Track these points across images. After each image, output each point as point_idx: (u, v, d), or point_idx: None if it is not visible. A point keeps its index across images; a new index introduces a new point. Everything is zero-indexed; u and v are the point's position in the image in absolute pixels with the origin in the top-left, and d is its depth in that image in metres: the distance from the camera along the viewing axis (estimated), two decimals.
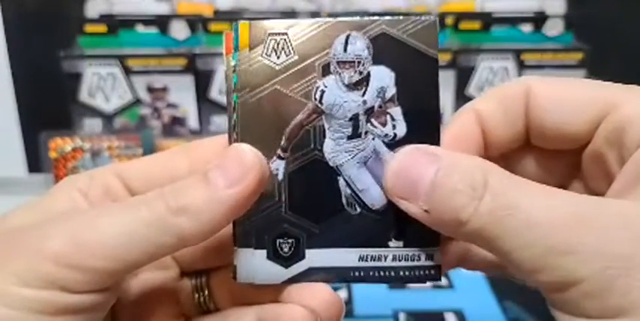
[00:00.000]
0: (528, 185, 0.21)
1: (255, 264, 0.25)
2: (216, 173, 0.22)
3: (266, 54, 0.24)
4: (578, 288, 0.19)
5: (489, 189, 0.21)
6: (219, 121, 0.75)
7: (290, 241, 0.25)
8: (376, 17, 0.24)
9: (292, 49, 0.24)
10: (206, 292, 0.27)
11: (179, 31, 0.75)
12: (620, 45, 0.76)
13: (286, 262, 0.25)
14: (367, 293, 0.53)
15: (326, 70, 0.24)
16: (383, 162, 0.24)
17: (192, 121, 0.75)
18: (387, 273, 0.25)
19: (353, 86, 0.24)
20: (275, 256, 0.25)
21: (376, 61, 0.24)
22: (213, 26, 0.74)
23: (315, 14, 0.76)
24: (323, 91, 0.24)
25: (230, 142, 0.24)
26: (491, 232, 0.20)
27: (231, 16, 0.76)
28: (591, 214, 0.20)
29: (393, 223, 0.24)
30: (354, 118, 0.24)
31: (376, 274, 0.25)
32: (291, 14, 0.76)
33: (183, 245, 0.22)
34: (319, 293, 0.25)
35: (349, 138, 0.25)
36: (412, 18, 0.24)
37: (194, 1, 0.77)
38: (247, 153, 0.23)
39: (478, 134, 0.25)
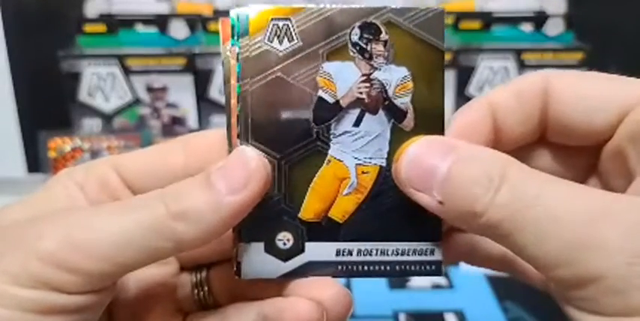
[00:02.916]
0: (548, 178, 0.20)
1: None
2: (219, 178, 0.21)
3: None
4: (599, 284, 0.19)
5: (507, 180, 0.20)
6: (219, 120, 0.75)
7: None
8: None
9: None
10: (205, 288, 0.27)
11: (178, 30, 0.75)
12: (620, 45, 0.76)
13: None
14: (367, 293, 0.53)
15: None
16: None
17: (192, 121, 0.75)
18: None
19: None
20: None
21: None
22: (213, 26, 0.74)
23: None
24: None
25: (229, 135, 0.24)
26: (507, 225, 0.20)
27: None
28: (615, 209, 0.19)
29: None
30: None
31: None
32: None
33: (180, 250, 0.22)
34: (326, 287, 0.24)
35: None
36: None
37: (194, 1, 0.77)
38: (252, 158, 0.22)
39: (489, 127, 0.24)
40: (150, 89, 0.74)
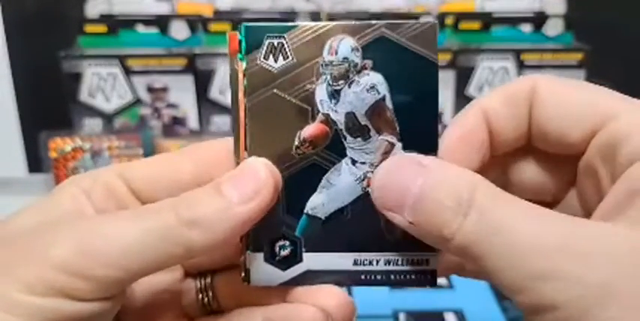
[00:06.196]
0: (516, 204, 0.21)
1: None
2: (230, 187, 0.22)
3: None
4: (554, 314, 0.19)
5: (475, 206, 0.20)
6: (220, 121, 0.75)
7: (288, 243, 0.25)
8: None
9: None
10: (210, 293, 0.27)
11: (179, 31, 0.75)
12: (620, 45, 0.76)
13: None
14: (367, 293, 0.53)
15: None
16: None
17: (193, 121, 0.75)
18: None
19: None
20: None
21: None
22: (213, 26, 0.74)
23: (314, 14, 0.76)
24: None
25: (236, 146, 0.24)
26: (475, 251, 0.20)
27: (231, 16, 0.76)
28: (574, 239, 0.19)
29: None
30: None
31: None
32: (290, 14, 0.76)
33: (190, 257, 0.22)
34: (331, 295, 0.24)
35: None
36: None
37: (194, 1, 0.77)
38: (262, 168, 0.23)
39: (484, 132, 0.25)
40: (150, 89, 0.74)
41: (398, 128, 0.24)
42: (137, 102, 0.74)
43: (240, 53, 0.24)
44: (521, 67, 0.73)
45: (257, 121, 0.24)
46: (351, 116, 0.24)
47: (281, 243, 0.25)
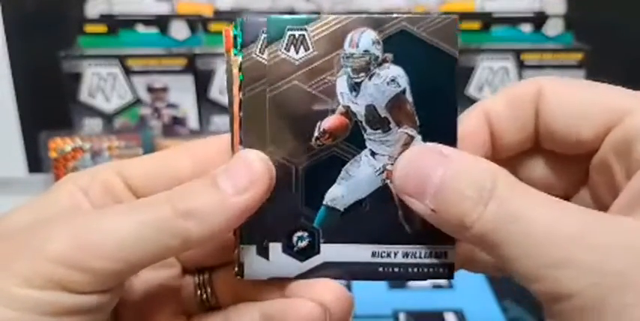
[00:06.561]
0: (535, 195, 0.21)
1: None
2: (225, 179, 0.22)
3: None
4: (570, 302, 0.19)
5: (495, 195, 0.21)
6: (220, 121, 0.75)
7: (306, 235, 0.25)
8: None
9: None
10: (209, 290, 0.27)
11: (179, 31, 0.75)
12: (620, 45, 0.76)
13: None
14: (367, 293, 0.53)
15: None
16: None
17: (193, 121, 0.75)
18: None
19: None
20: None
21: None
22: (213, 26, 0.74)
23: (314, 14, 0.76)
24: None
25: (232, 141, 0.24)
26: (493, 239, 0.20)
27: (232, 16, 0.76)
28: (591, 230, 0.20)
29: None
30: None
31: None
32: (290, 14, 0.76)
33: (187, 248, 0.22)
34: (328, 289, 0.25)
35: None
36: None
37: (194, 1, 0.77)
38: (256, 161, 0.23)
39: (486, 135, 0.25)
40: (150, 89, 0.74)
41: (418, 121, 0.24)
42: (137, 102, 0.74)
43: (235, 48, 0.24)
44: (521, 67, 0.73)
45: (272, 111, 0.24)
46: (371, 108, 0.24)
47: (299, 234, 0.25)
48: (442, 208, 0.22)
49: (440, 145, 0.23)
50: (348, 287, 0.54)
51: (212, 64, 0.73)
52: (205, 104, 0.74)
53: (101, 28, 0.74)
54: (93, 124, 0.74)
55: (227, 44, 0.24)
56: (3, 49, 0.76)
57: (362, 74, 0.24)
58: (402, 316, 0.51)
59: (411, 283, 0.55)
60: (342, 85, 0.24)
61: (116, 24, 0.75)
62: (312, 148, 0.24)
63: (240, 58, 0.24)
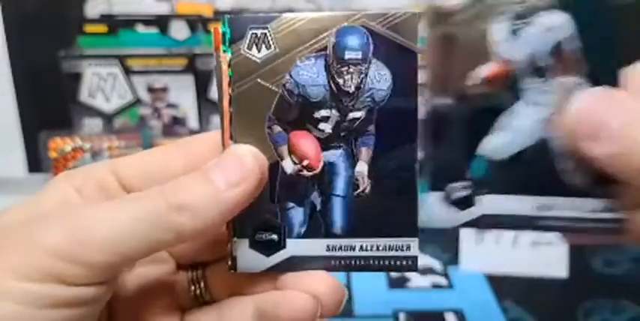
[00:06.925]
0: None
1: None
2: (217, 173, 0.22)
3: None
4: None
5: None
6: (219, 121, 0.75)
7: (271, 230, 0.25)
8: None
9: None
10: (202, 284, 0.28)
11: (179, 31, 0.75)
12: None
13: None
14: (367, 293, 0.54)
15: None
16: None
17: (192, 121, 0.75)
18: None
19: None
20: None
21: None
22: (213, 26, 0.74)
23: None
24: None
25: (223, 136, 0.25)
26: None
27: None
28: None
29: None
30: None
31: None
32: None
33: (180, 241, 0.22)
34: (320, 280, 0.25)
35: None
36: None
37: (194, 1, 0.77)
38: (247, 155, 0.23)
39: None
40: (150, 89, 0.74)
41: (578, 69, 0.24)
42: (137, 102, 0.74)
43: (223, 44, 0.24)
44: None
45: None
46: (531, 57, 0.24)
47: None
48: (625, 152, 0.21)
49: (612, 90, 0.23)
50: (348, 287, 0.54)
51: (212, 64, 0.73)
52: (205, 104, 0.74)
53: (101, 28, 0.74)
54: (93, 124, 0.74)
55: (216, 41, 0.24)
56: (3, 49, 0.76)
57: (520, 21, 0.24)
58: (402, 316, 0.51)
59: (411, 283, 0.55)
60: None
61: (116, 24, 0.75)
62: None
63: (229, 55, 0.24)
